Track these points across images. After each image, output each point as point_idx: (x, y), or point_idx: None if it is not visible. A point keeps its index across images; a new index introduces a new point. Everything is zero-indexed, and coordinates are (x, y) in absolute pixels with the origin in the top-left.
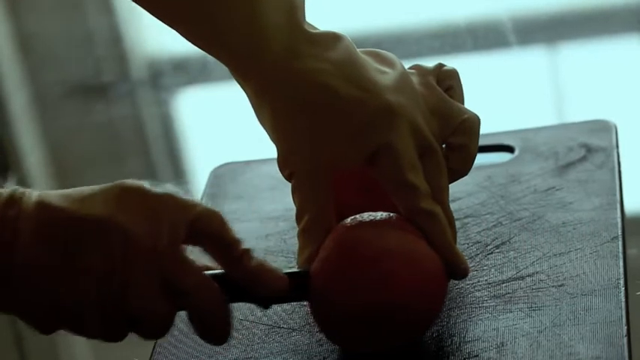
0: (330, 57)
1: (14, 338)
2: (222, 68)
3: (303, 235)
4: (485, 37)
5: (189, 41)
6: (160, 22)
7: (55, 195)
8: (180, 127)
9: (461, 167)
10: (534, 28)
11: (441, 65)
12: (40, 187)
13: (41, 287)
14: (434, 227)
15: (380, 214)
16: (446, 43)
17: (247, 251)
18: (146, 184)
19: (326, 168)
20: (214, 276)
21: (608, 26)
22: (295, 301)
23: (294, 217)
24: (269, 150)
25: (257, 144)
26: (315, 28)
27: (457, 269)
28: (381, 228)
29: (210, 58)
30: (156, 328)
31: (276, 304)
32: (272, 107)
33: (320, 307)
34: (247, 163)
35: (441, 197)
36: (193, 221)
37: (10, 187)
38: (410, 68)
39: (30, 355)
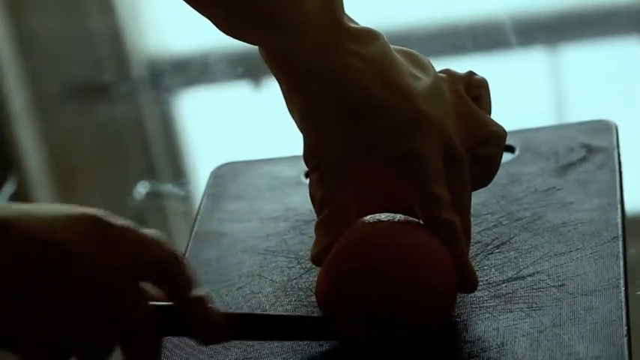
0: (366, 55)
1: None
2: (223, 68)
3: (322, 227)
4: (485, 37)
5: (222, 30)
6: (160, 22)
7: (13, 211)
8: (181, 127)
9: (484, 178)
10: (535, 28)
11: (471, 74)
12: (40, 187)
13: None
14: (450, 238)
15: (398, 216)
16: (446, 43)
17: (199, 300)
18: (108, 216)
19: (353, 164)
20: (158, 307)
21: (608, 26)
22: (236, 339)
23: (293, 217)
24: (269, 150)
25: (257, 144)
26: (354, 22)
27: (466, 282)
28: (398, 229)
29: (210, 58)
30: (92, 355)
31: (215, 343)
32: (304, 99)
33: (330, 298)
34: (247, 163)
35: (462, 206)
36: (148, 261)
37: None
38: (440, 72)
39: None
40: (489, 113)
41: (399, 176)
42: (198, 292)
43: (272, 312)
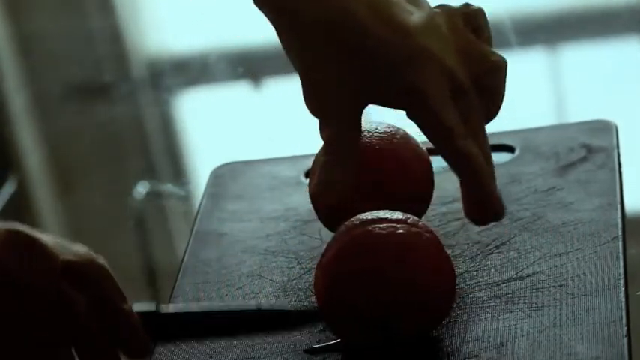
0: None
1: None
2: (223, 68)
3: (326, 167)
4: None
5: None
6: (160, 22)
7: None
8: (181, 127)
9: (491, 108)
10: (535, 28)
11: (467, 5)
12: (40, 187)
13: None
14: (471, 168)
15: (397, 214)
16: None
17: (118, 310)
18: (30, 231)
19: (356, 103)
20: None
21: (608, 27)
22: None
23: (293, 217)
24: (269, 150)
25: (257, 144)
26: None
27: (488, 210)
28: (397, 226)
29: (210, 58)
30: None
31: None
32: (303, 44)
33: (329, 299)
34: (247, 163)
35: (478, 136)
36: (67, 263)
37: None
38: (435, 8)
39: None
40: (490, 41)
41: (408, 116)
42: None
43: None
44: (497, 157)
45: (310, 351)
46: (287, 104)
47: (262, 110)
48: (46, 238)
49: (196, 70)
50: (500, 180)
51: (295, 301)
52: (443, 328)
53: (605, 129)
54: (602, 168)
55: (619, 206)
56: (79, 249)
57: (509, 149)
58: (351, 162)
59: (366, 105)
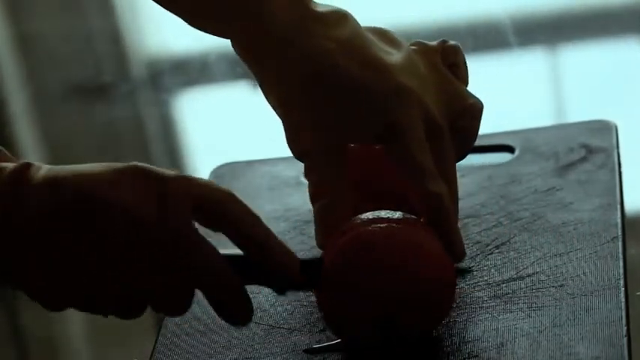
0: (337, 36)
1: (13, 336)
2: (222, 68)
3: (320, 216)
4: (485, 37)
5: (191, 23)
6: (160, 22)
7: (65, 170)
8: (180, 127)
9: (460, 151)
10: (534, 28)
11: (444, 42)
12: None
13: (50, 263)
14: (439, 209)
15: (397, 214)
16: None
17: (263, 232)
18: (157, 168)
19: (339, 146)
20: (228, 257)
21: (608, 27)
22: (310, 289)
23: (293, 217)
24: (269, 150)
25: (257, 144)
26: (322, 6)
27: (455, 252)
28: (397, 226)
29: (210, 58)
30: (171, 305)
31: (291, 290)
32: (280, 85)
33: (329, 298)
34: (248, 163)
35: (448, 176)
36: (203, 201)
37: (19, 161)
38: (412, 44)
39: (29, 355)
40: (467, 79)
41: (386, 152)
42: (266, 231)
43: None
44: (498, 157)
45: (310, 351)
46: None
47: (262, 110)
48: (170, 173)
49: (196, 70)
50: (501, 180)
51: (295, 301)
52: (443, 328)
53: (605, 129)
54: (602, 168)
55: (619, 206)
56: (206, 182)
57: (509, 149)
58: (342, 204)
59: (348, 144)
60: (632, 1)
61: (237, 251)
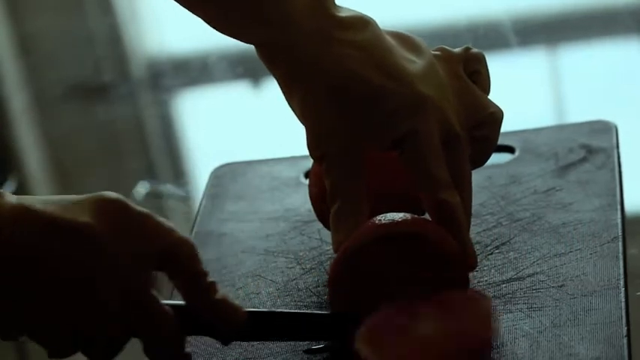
0: (359, 42)
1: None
2: (223, 68)
3: (336, 219)
4: (485, 37)
5: (215, 28)
6: (160, 22)
7: (34, 199)
8: (180, 128)
9: (479, 159)
10: (534, 28)
11: (467, 49)
12: (40, 187)
13: (8, 292)
14: (451, 219)
15: (411, 216)
16: (446, 43)
17: (213, 284)
18: (127, 200)
19: (357, 150)
20: (174, 306)
21: (608, 27)
22: (256, 340)
23: (293, 217)
24: (269, 150)
25: (257, 144)
26: (344, 11)
27: (467, 261)
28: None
29: (210, 58)
30: (104, 352)
31: (235, 340)
32: (302, 91)
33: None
34: (248, 163)
35: (462, 185)
36: (166, 247)
37: None
38: (436, 50)
39: (29, 355)
40: (488, 87)
41: (400, 159)
42: (212, 282)
43: (291, 310)
44: (498, 158)
45: (310, 351)
46: (287, 104)
47: (262, 110)
48: (141, 212)
49: (196, 71)
50: (501, 180)
51: (295, 301)
52: None
53: (605, 129)
54: (602, 168)
55: (619, 206)
56: (172, 230)
57: (509, 149)
58: (359, 207)
59: (367, 150)
60: (632, 1)
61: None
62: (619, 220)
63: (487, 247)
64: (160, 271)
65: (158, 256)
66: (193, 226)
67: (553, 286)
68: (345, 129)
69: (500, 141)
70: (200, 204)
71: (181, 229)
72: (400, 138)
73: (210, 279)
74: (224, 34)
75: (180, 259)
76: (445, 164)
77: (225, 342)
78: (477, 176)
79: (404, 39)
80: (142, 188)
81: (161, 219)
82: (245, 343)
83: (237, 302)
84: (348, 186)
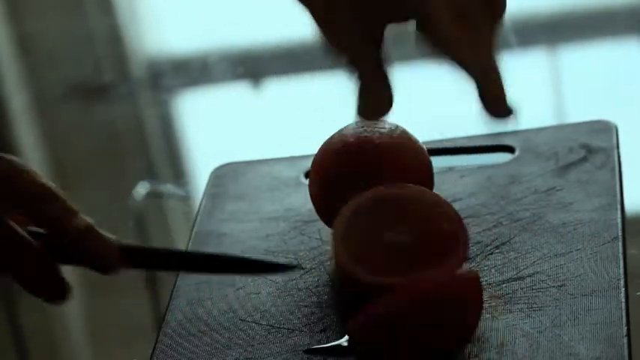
0: None
1: (13, 336)
2: (223, 68)
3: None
4: None
5: None
6: (160, 22)
7: None
8: (181, 128)
9: (495, 16)
10: (534, 28)
11: None
12: None
13: None
14: (479, 71)
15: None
16: None
17: (77, 228)
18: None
19: (376, 32)
20: (42, 236)
21: (608, 27)
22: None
23: (293, 217)
24: (269, 150)
25: (257, 144)
26: None
27: (501, 105)
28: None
29: (210, 58)
30: None
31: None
32: None
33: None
34: (248, 163)
35: (485, 48)
36: (24, 189)
37: None
38: None
39: (29, 355)
40: None
41: (417, 28)
42: (81, 223)
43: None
44: (498, 158)
45: (310, 351)
46: (287, 104)
47: (262, 110)
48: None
49: (196, 71)
50: (501, 180)
51: (296, 301)
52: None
53: (605, 129)
54: (602, 168)
55: (619, 206)
56: (35, 175)
57: (509, 149)
58: (381, 85)
59: (382, 29)
60: (632, 1)
61: None
62: (619, 220)
63: (487, 246)
64: (19, 210)
65: (15, 196)
66: (193, 226)
67: (553, 286)
68: (366, 15)
69: (500, 141)
70: (200, 204)
71: (181, 229)
72: (413, 11)
73: (79, 220)
74: None
75: (38, 203)
76: (462, 25)
77: (101, 273)
78: (477, 176)
79: None
80: (142, 188)
81: (28, 168)
82: (245, 344)
83: (108, 235)
84: (367, 67)
